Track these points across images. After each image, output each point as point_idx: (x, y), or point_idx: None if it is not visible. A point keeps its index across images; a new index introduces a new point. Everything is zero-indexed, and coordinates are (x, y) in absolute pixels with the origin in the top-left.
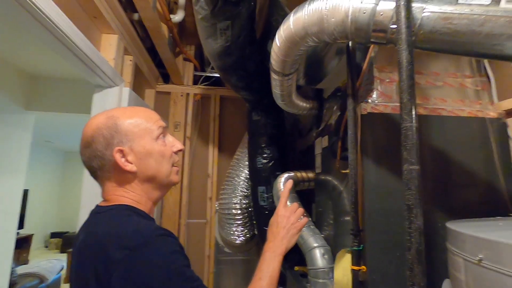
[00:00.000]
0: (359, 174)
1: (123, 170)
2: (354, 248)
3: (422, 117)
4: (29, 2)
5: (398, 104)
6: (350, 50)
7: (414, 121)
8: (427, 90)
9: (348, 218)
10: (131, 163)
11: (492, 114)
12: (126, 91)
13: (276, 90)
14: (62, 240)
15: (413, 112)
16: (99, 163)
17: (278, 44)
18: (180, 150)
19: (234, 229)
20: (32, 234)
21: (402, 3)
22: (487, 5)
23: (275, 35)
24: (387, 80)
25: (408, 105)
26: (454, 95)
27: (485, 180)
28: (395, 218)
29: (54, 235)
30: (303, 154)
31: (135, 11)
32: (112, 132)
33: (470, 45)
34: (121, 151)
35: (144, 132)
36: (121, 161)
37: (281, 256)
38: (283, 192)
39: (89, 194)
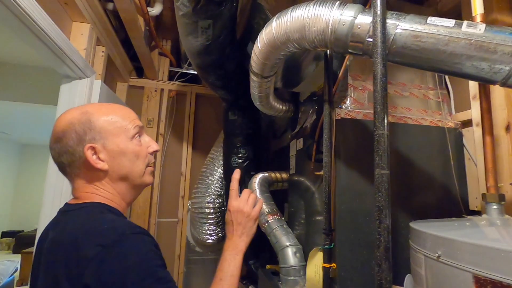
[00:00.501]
0: (332, 176)
1: (94, 167)
2: (326, 246)
3: (390, 125)
4: None
5: (369, 111)
6: (328, 58)
7: (386, 129)
8: (395, 99)
9: (319, 218)
10: (103, 161)
11: (450, 124)
12: (97, 83)
13: (254, 91)
14: (15, 240)
15: (385, 121)
16: (69, 159)
17: (259, 47)
18: (155, 151)
19: (206, 228)
20: None
21: (379, 19)
22: (451, 27)
23: (256, 37)
24: (360, 88)
25: (381, 114)
26: (418, 105)
27: (442, 184)
28: (363, 218)
29: (6, 234)
30: (277, 154)
31: (110, 0)
32: (85, 128)
33: (435, 62)
34: (93, 148)
35: (119, 130)
36: (92, 158)
37: (241, 253)
38: (231, 184)
39: (53, 191)
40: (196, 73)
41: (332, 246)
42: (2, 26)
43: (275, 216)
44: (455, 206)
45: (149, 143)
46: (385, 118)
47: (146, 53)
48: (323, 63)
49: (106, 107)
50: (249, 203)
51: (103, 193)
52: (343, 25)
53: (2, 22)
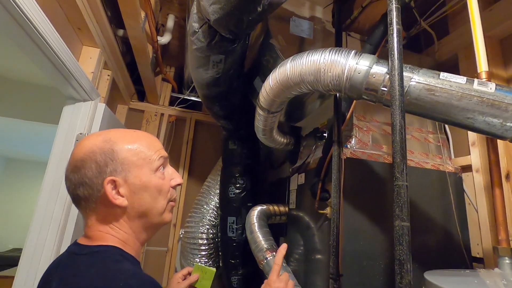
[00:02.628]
0: (341, 218)
1: (112, 203)
2: None
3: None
4: (13, 3)
5: (373, 152)
6: (338, 100)
7: (405, 180)
8: None
9: (319, 256)
10: (123, 196)
11: (450, 168)
12: (101, 106)
13: (259, 124)
14: None
15: (405, 172)
16: (86, 192)
17: (271, 85)
18: (178, 185)
19: (198, 260)
20: None
21: (397, 73)
22: (463, 84)
23: (264, 73)
24: (364, 129)
25: (400, 165)
26: (420, 148)
27: (444, 228)
28: (367, 261)
29: None
30: (273, 185)
31: (121, 26)
32: (106, 159)
33: (447, 115)
34: (113, 181)
35: (143, 162)
36: (111, 193)
37: None
38: (277, 258)
39: (43, 213)
40: (196, 99)
41: None
42: (8, 42)
43: (274, 253)
44: (456, 252)
45: (172, 175)
46: (405, 169)
47: (150, 79)
48: (327, 102)
49: (131, 135)
50: (289, 286)
51: (118, 233)
52: (359, 73)
53: (15, 41)
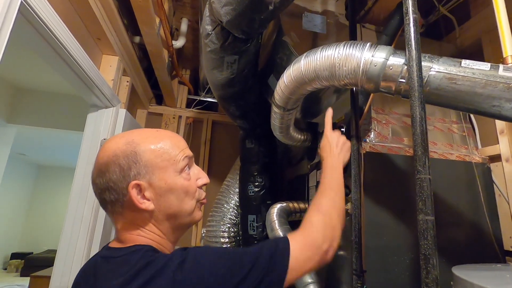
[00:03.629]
0: (362, 213)
1: (138, 207)
2: None
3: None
4: (35, 16)
5: (394, 145)
6: (355, 94)
7: (428, 173)
8: None
9: (341, 253)
10: (149, 200)
11: (477, 159)
12: (122, 112)
13: (275, 122)
14: (24, 262)
15: (427, 165)
16: (112, 196)
17: (286, 82)
18: (205, 184)
19: None
20: None
21: (415, 63)
22: (488, 70)
23: (278, 71)
24: (383, 122)
25: (422, 158)
26: (443, 139)
27: (473, 222)
28: (392, 257)
29: (15, 256)
30: (292, 183)
31: (137, 33)
32: (130, 162)
33: (471, 104)
34: (138, 185)
35: (168, 163)
36: (136, 197)
37: (341, 170)
38: (326, 119)
39: (73, 216)
40: (212, 100)
41: None
42: (35, 55)
43: None
44: (487, 246)
45: (198, 175)
46: (427, 162)
47: (167, 82)
48: (343, 96)
49: (154, 136)
50: (343, 136)
51: (150, 235)
52: (375, 66)
53: (40, 54)
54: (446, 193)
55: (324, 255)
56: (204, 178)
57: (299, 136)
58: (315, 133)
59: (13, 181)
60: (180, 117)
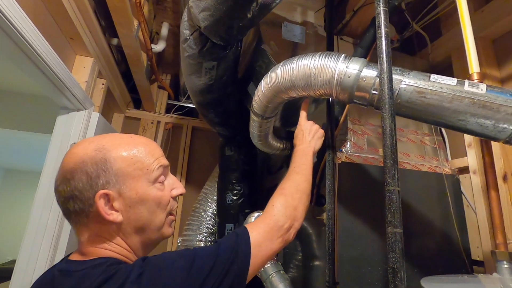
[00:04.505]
0: (336, 225)
1: (105, 219)
2: None
3: None
4: (1, 14)
5: (369, 156)
6: (330, 104)
7: (397, 185)
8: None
9: (318, 263)
10: (117, 211)
11: (447, 170)
12: (95, 116)
13: (254, 130)
14: None
15: (396, 176)
16: (76, 206)
17: (263, 91)
18: (180, 195)
19: None
20: None
21: (386, 76)
22: (454, 85)
23: (257, 79)
24: (359, 132)
25: (391, 169)
26: (416, 151)
27: (443, 232)
28: (366, 267)
29: None
30: (271, 191)
31: (115, 35)
32: (98, 170)
33: (439, 117)
34: (106, 195)
35: (141, 172)
36: (104, 208)
37: (311, 156)
38: (302, 108)
39: (37, 225)
40: (193, 106)
41: None
42: (1, 55)
43: (272, 261)
44: (456, 255)
45: (173, 185)
46: (396, 174)
47: (146, 87)
48: (321, 106)
49: (127, 142)
50: (316, 125)
51: (116, 248)
52: (349, 77)
53: (5, 53)
54: (418, 203)
55: (286, 234)
56: (179, 189)
57: (278, 145)
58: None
59: None
60: (158, 122)
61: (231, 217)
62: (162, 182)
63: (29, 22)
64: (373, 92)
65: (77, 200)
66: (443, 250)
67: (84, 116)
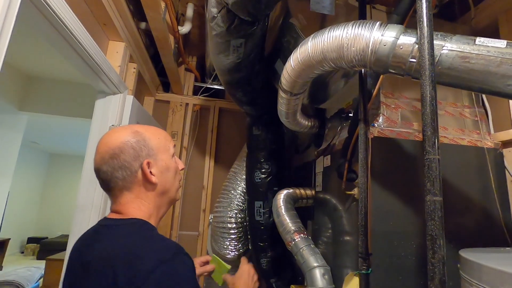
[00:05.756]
0: (369, 198)
1: (148, 181)
2: (363, 271)
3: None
4: (44, 3)
5: (403, 130)
6: (363, 77)
7: (437, 154)
8: None
9: (348, 238)
10: (154, 176)
11: (489, 144)
12: (129, 99)
13: (282, 107)
14: (40, 246)
15: (436, 145)
16: (124, 173)
17: (292, 65)
18: (182, 169)
19: (228, 243)
20: (9, 239)
21: (427, 41)
22: (504, 48)
23: (285, 55)
24: (393, 106)
25: (431, 138)
26: (454, 124)
27: (482, 208)
28: (398, 241)
29: (31, 240)
30: (299, 170)
31: (143, 19)
32: (140, 145)
33: (484, 84)
34: (148, 163)
35: (164, 148)
36: (148, 172)
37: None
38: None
39: (84, 200)
40: (219, 88)
41: (370, 272)
42: (45, 44)
43: (302, 235)
44: (497, 231)
45: (178, 162)
46: (436, 142)
47: (174, 69)
48: (352, 81)
49: (151, 128)
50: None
51: (147, 208)
52: (384, 45)
53: (48, 40)
54: (456, 178)
55: None
56: (181, 164)
57: (306, 123)
58: (323, 120)
59: (26, 169)
60: (187, 104)
61: (260, 194)
62: (175, 158)
63: (69, 10)
64: (410, 60)
65: (125, 169)
66: (483, 227)
67: (120, 99)
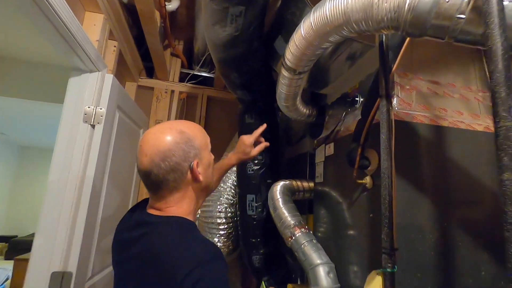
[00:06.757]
0: (394, 185)
1: (196, 180)
2: (388, 270)
3: (442, 130)
4: None
5: (418, 113)
6: (384, 46)
7: None
8: (446, 100)
9: (354, 232)
10: (200, 174)
11: None
12: (109, 78)
13: (282, 89)
14: (8, 245)
15: None
16: (176, 175)
17: (303, 34)
18: None
19: (217, 239)
20: None
21: None
22: None
23: (288, 30)
24: (407, 87)
25: (506, 101)
26: (469, 109)
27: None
28: (416, 235)
29: None
30: (292, 162)
31: None
32: (188, 146)
33: None
34: (197, 163)
35: (206, 145)
36: (197, 172)
37: (232, 160)
38: (257, 130)
39: (54, 200)
40: (208, 75)
41: (395, 270)
42: (11, 21)
43: (303, 230)
44: None
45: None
46: None
47: (159, 51)
48: (357, 63)
49: (191, 125)
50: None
51: (188, 205)
52: None
53: (14, 4)
54: (478, 166)
55: None
56: (212, 155)
57: (305, 110)
58: (322, 108)
59: None
60: (172, 91)
61: (253, 187)
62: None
63: None
64: (458, 16)
65: (177, 171)
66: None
67: (98, 78)
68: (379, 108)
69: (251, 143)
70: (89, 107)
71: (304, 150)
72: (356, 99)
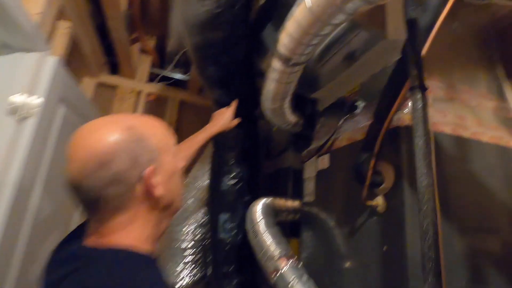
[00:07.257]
0: (437, 208)
1: (152, 195)
2: None
3: (462, 141)
4: None
5: (437, 120)
6: (412, 21)
7: None
8: (464, 108)
9: (353, 266)
10: (159, 186)
11: None
12: (52, 62)
13: (270, 86)
14: None
15: None
16: (119, 189)
17: (309, 4)
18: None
19: (180, 268)
20: None
21: None
22: None
23: (280, 15)
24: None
25: None
26: (487, 119)
27: None
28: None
29: None
30: (271, 178)
31: None
32: (140, 148)
33: None
34: (152, 171)
35: (167, 145)
36: (152, 185)
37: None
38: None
39: None
40: (181, 78)
41: None
42: None
43: (291, 261)
44: None
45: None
46: None
47: (124, 41)
48: (357, 63)
49: (149, 120)
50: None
51: (141, 230)
52: None
53: None
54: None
55: None
56: (181, 161)
57: (291, 118)
58: (311, 117)
59: None
60: (139, 92)
61: (227, 205)
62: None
63: None
64: None
65: (119, 184)
66: None
67: (35, 60)
68: (413, 104)
69: (230, 116)
70: (19, 96)
71: (285, 165)
72: (356, 104)
